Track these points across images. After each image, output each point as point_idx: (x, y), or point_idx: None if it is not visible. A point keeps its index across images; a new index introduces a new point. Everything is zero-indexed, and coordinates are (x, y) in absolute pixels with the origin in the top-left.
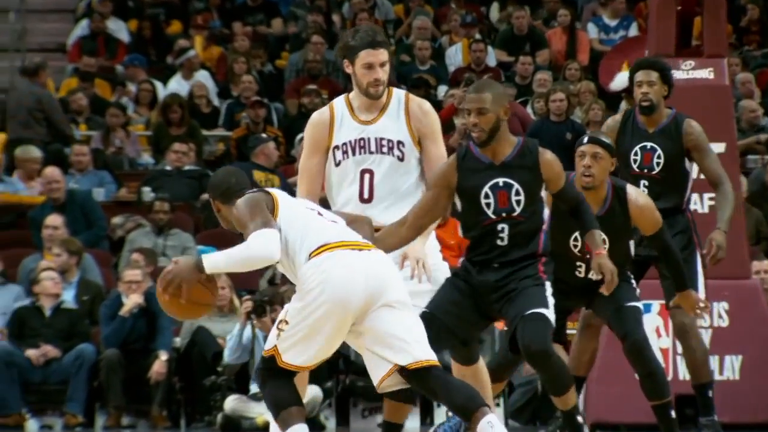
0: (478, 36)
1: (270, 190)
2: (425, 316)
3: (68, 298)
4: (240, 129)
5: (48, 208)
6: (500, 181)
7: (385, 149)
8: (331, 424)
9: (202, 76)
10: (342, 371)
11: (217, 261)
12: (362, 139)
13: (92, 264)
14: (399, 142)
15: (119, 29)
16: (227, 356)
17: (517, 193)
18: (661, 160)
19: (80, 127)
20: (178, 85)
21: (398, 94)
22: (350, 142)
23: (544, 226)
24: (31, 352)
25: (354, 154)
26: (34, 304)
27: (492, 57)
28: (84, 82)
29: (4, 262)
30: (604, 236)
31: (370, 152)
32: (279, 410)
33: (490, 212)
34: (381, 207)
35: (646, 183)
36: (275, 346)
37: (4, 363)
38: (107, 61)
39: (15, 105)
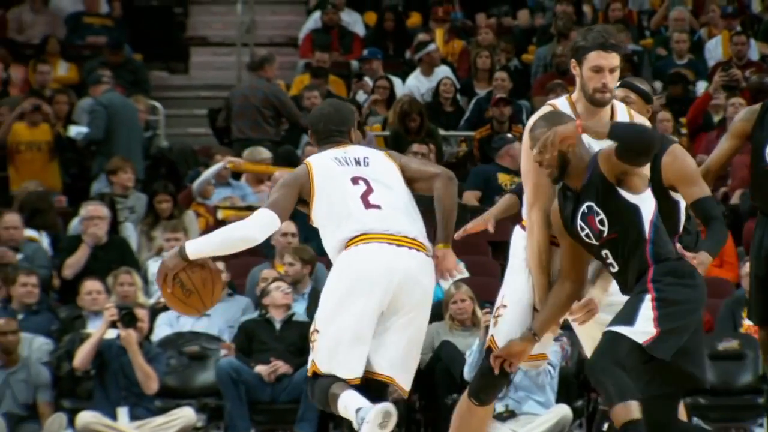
0: (739, 28)
1: (311, 160)
2: None
3: (299, 310)
4: (484, 128)
5: None
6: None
7: None
8: None
9: (443, 72)
10: (593, 389)
11: (198, 243)
12: None
13: (325, 274)
14: None
15: (354, 22)
16: (466, 373)
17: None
18: None
19: None
20: (416, 81)
21: (621, 106)
22: None
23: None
24: (260, 368)
25: None
26: (263, 317)
27: (754, 50)
28: (317, 79)
29: (232, 273)
30: None
31: None
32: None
33: (593, 240)
34: None
35: None
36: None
37: (231, 380)
38: (341, 57)
39: (241, 103)
